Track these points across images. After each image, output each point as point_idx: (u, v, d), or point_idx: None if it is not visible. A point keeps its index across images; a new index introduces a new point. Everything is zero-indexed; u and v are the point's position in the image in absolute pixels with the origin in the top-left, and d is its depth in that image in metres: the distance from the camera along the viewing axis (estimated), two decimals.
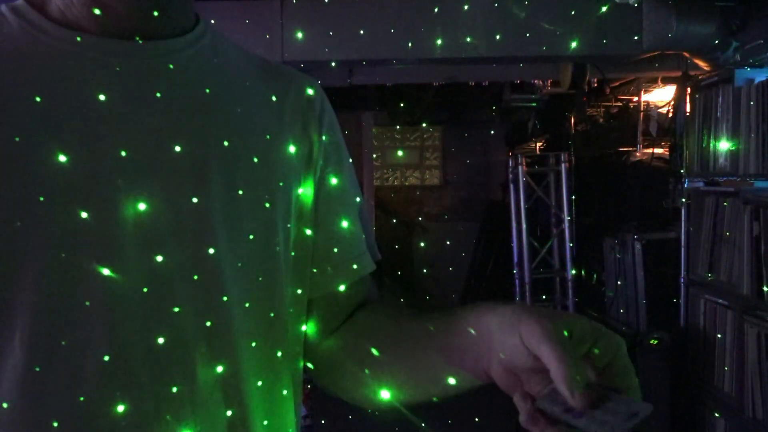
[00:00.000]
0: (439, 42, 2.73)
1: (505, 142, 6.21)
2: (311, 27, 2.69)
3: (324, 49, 2.71)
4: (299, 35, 2.69)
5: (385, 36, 2.73)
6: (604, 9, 2.72)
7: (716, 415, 2.90)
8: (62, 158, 0.62)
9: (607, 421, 0.52)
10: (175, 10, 0.70)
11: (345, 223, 0.82)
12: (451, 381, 0.68)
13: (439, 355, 0.68)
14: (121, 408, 0.63)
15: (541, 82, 4.24)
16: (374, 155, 6.52)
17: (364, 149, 6.15)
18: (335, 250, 0.81)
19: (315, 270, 0.80)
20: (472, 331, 0.64)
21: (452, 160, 6.81)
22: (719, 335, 2.88)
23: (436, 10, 2.71)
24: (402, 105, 5.59)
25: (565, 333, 0.56)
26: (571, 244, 4.05)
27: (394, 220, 6.62)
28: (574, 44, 2.75)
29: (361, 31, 2.71)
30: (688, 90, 3.10)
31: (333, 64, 2.81)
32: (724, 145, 2.82)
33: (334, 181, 0.81)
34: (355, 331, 0.81)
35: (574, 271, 4.04)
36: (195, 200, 0.67)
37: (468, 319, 0.65)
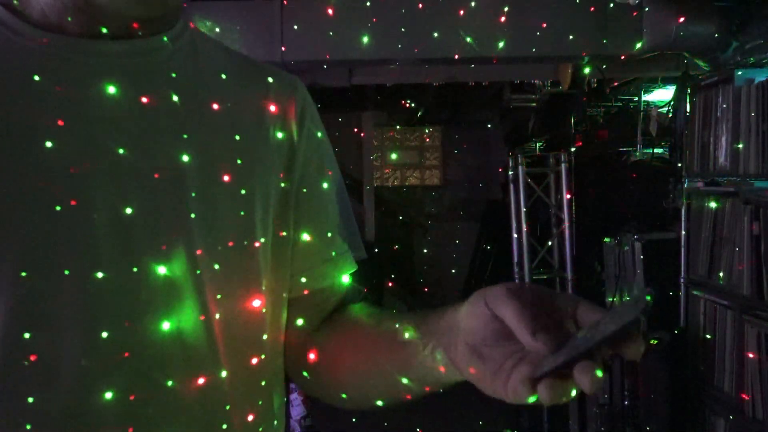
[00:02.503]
0: (439, 42, 2.73)
1: (505, 142, 6.21)
2: (311, 27, 2.69)
3: (324, 49, 2.71)
4: (299, 35, 2.69)
5: (385, 36, 2.73)
6: (603, 9, 2.72)
7: (716, 415, 2.90)
8: (35, 160, 0.62)
9: (610, 321, 0.50)
10: (166, 13, 0.70)
11: (325, 224, 0.81)
12: (420, 379, 0.68)
13: (411, 352, 0.68)
14: (97, 410, 0.63)
15: (541, 82, 4.23)
16: (374, 155, 6.52)
17: (364, 149, 6.15)
18: (314, 250, 0.80)
19: (293, 270, 0.79)
20: (442, 322, 0.64)
21: (452, 160, 6.81)
22: (719, 335, 2.88)
23: (436, 10, 2.71)
24: (402, 105, 5.59)
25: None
26: (571, 244, 4.04)
27: (394, 220, 6.61)
28: (573, 44, 2.75)
29: (361, 31, 2.71)
30: (688, 90, 3.10)
31: (333, 64, 2.81)
32: (724, 145, 2.82)
33: (314, 180, 0.81)
34: (333, 331, 0.80)
35: (574, 271, 4.04)
36: (171, 202, 0.67)
37: (441, 313, 0.66)
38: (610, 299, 3.75)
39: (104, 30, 0.66)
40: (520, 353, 0.55)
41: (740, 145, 2.69)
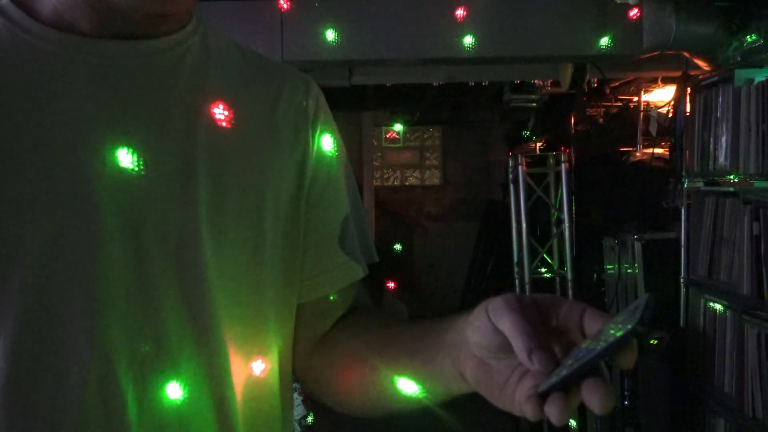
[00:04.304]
0: (439, 42, 2.73)
1: (505, 142, 6.20)
2: (311, 27, 2.69)
3: (324, 49, 2.70)
4: (299, 35, 2.69)
5: (385, 36, 2.73)
6: (603, 9, 2.72)
7: (716, 415, 2.90)
8: (44, 163, 0.61)
9: (613, 328, 0.49)
10: (179, 12, 0.69)
11: (336, 229, 0.80)
12: (428, 389, 0.67)
13: (420, 362, 0.67)
14: (105, 417, 0.62)
15: (541, 82, 4.23)
16: (374, 155, 6.52)
17: (364, 149, 6.15)
18: (324, 255, 0.79)
19: (303, 275, 0.78)
20: (451, 333, 0.63)
21: (452, 160, 6.81)
22: (719, 335, 2.88)
23: (436, 10, 2.71)
24: (402, 105, 5.58)
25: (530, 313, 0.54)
26: (571, 244, 4.04)
27: (394, 220, 6.61)
28: (573, 44, 2.75)
29: (361, 31, 2.71)
30: (688, 90, 3.10)
31: (333, 64, 2.81)
32: (724, 145, 2.82)
33: (326, 184, 0.79)
34: (341, 337, 0.79)
35: (574, 271, 4.03)
36: (181, 205, 0.66)
37: (451, 323, 0.64)
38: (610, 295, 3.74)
39: (118, 30, 0.65)
40: (525, 366, 0.54)
41: (740, 145, 2.69)
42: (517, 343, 0.52)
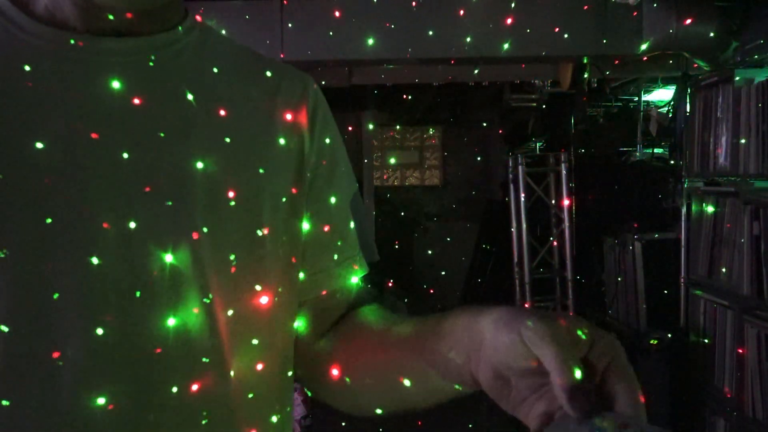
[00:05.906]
0: (439, 42, 2.73)
1: (505, 142, 6.21)
2: (311, 27, 2.69)
3: (324, 49, 2.71)
4: (299, 35, 2.69)
5: (385, 36, 2.73)
6: (603, 9, 2.72)
7: (716, 415, 2.90)
8: (37, 158, 0.61)
9: None
10: (166, 7, 0.69)
11: (337, 225, 0.79)
12: (432, 388, 0.66)
13: (425, 358, 0.66)
14: (97, 411, 0.62)
15: (541, 82, 4.23)
16: (374, 155, 6.52)
17: (364, 149, 6.16)
18: (325, 252, 0.78)
19: (304, 272, 0.78)
20: (461, 333, 0.61)
21: (452, 160, 6.81)
22: (719, 335, 2.88)
23: (436, 10, 2.71)
24: (402, 105, 5.59)
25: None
26: (571, 244, 4.04)
27: (394, 220, 6.61)
28: (573, 44, 2.75)
29: (361, 31, 2.71)
30: (688, 90, 3.10)
31: (333, 64, 2.81)
32: (724, 145, 2.82)
33: (326, 182, 0.79)
34: (343, 335, 0.79)
35: (574, 271, 4.04)
36: (176, 203, 0.65)
37: (457, 321, 0.62)
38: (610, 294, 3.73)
39: (111, 27, 0.65)
40: (546, 389, 0.54)
41: (740, 145, 2.69)
42: (559, 381, 0.51)
